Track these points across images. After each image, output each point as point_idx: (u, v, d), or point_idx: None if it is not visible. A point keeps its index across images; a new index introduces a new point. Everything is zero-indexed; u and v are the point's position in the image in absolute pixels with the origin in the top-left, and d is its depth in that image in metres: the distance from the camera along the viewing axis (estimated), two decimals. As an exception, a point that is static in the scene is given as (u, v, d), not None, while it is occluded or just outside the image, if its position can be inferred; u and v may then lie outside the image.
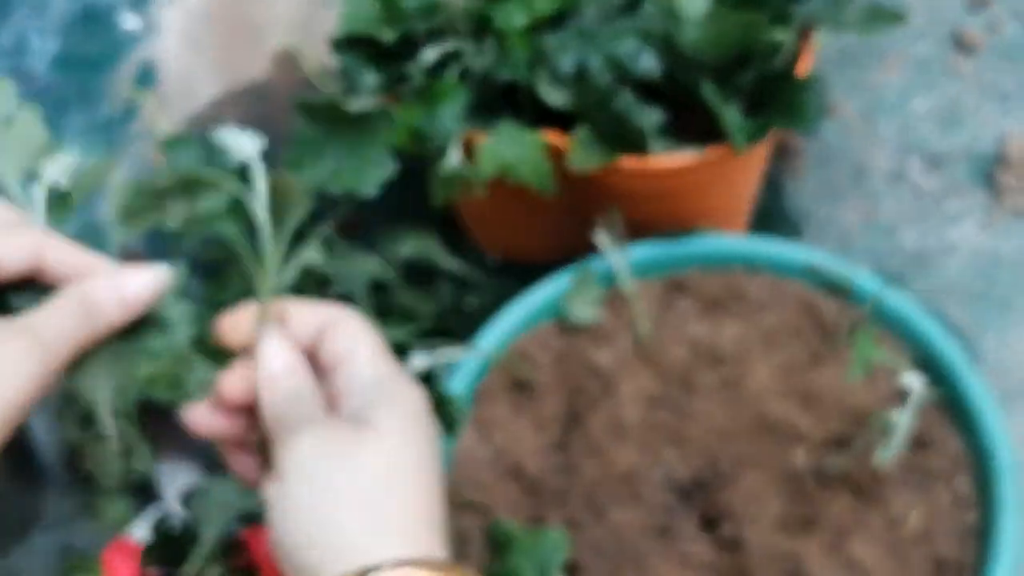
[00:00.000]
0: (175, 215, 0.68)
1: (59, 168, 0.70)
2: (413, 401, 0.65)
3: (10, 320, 0.63)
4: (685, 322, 0.92)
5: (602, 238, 0.89)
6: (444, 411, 0.84)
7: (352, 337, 0.67)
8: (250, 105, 1.25)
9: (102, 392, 0.72)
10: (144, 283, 0.66)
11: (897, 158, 1.11)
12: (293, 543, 0.61)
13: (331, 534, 0.60)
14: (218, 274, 1.06)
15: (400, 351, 0.91)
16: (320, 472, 0.61)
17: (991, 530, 0.80)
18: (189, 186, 0.68)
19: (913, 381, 0.72)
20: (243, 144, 0.64)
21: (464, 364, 0.90)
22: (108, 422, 0.96)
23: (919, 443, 0.84)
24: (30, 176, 0.70)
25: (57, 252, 0.64)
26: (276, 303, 0.67)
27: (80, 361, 0.68)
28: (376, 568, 0.57)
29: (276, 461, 0.63)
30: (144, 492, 1.00)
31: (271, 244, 0.65)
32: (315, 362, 0.67)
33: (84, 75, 1.30)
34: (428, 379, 0.89)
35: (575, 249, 0.94)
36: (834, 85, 1.16)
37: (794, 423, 0.85)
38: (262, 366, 0.65)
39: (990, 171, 1.08)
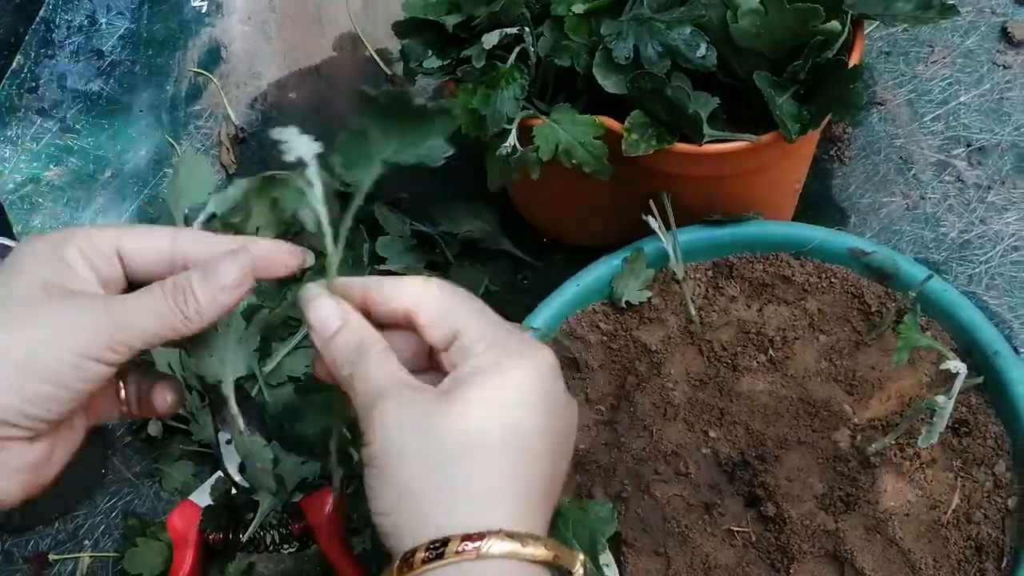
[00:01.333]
0: (259, 212, 0.69)
1: (221, 201, 0.70)
2: (522, 368, 0.60)
3: (99, 295, 0.64)
4: (733, 305, 0.92)
5: (653, 221, 0.89)
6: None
7: (441, 308, 0.63)
8: (312, 87, 1.26)
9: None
10: (234, 274, 0.64)
11: (943, 149, 1.10)
12: (377, 508, 0.60)
13: (408, 501, 0.59)
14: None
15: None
16: (396, 439, 0.59)
17: (1029, 512, 0.79)
18: (268, 185, 0.68)
19: (957, 366, 0.72)
20: (301, 146, 0.64)
21: (517, 341, 0.90)
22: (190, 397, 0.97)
23: (960, 428, 0.84)
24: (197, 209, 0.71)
25: (189, 240, 0.65)
26: (352, 282, 0.66)
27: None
28: (444, 541, 0.56)
29: (363, 427, 0.61)
30: (206, 460, 1.01)
31: (329, 237, 0.65)
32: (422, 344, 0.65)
33: (152, 54, 1.31)
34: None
35: (627, 232, 0.94)
36: (882, 76, 1.15)
37: (838, 405, 0.85)
38: (315, 331, 0.63)
39: (1035, 163, 1.08)
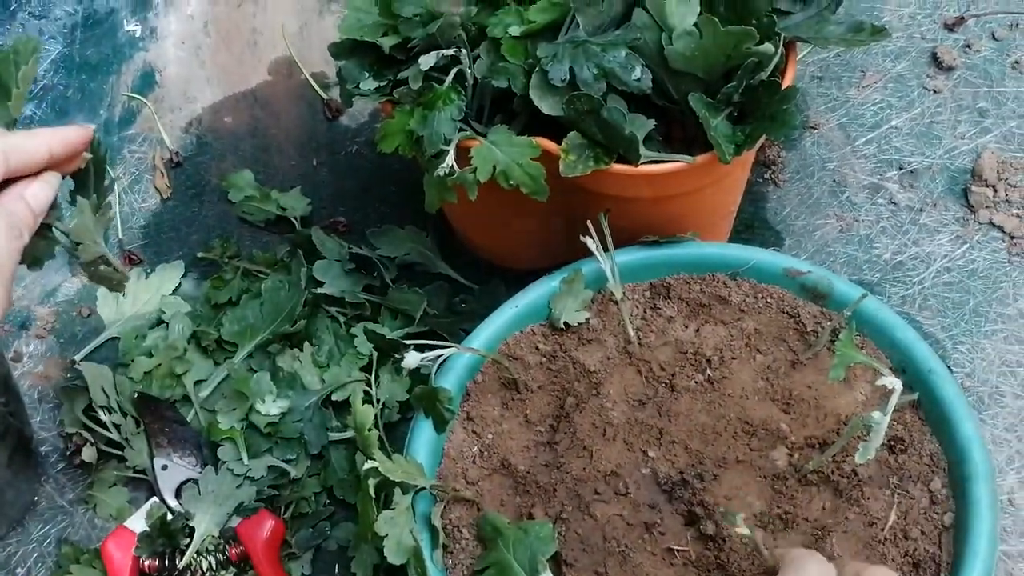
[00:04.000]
0: None
1: None
2: None
3: None
4: (670, 325, 0.92)
5: (591, 243, 0.89)
6: (435, 407, 0.84)
7: None
8: (248, 111, 1.25)
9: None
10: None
11: (875, 172, 1.12)
12: None
13: None
14: (215, 275, 1.07)
15: (393, 349, 0.92)
16: None
17: (966, 530, 0.80)
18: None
19: (892, 382, 0.73)
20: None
21: (455, 362, 0.90)
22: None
23: (896, 446, 0.85)
24: None
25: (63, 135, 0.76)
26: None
27: None
28: None
29: None
30: (140, 486, 1.00)
31: None
32: None
33: (85, 78, 1.30)
34: (420, 376, 0.90)
35: (564, 255, 0.95)
36: (815, 101, 1.17)
37: (775, 424, 0.85)
38: None
39: (965, 185, 1.09)
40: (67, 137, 0.77)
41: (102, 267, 0.81)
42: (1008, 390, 0.97)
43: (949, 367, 0.96)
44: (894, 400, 0.73)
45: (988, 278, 1.04)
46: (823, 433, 0.85)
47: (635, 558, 0.81)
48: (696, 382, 0.88)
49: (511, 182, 0.87)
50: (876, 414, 0.74)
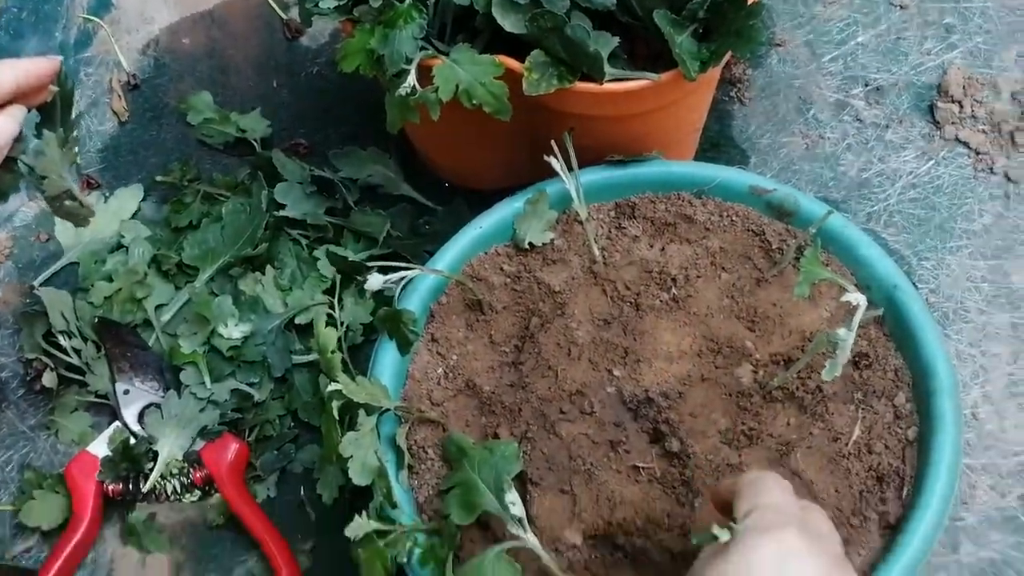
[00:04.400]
0: None
1: None
2: None
3: None
4: (635, 245, 0.92)
5: (555, 162, 0.88)
6: (399, 329, 0.84)
7: None
8: (205, 32, 1.23)
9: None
10: None
11: (841, 89, 1.11)
12: None
13: None
14: (174, 198, 1.05)
15: (356, 271, 0.91)
16: None
17: (929, 443, 0.81)
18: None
19: (857, 298, 0.72)
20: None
21: (419, 283, 0.89)
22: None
23: (861, 362, 0.85)
24: None
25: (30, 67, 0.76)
26: None
27: None
28: None
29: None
30: (102, 410, 0.99)
31: None
32: None
33: (39, 1, 1.27)
34: (384, 298, 0.90)
35: (529, 175, 0.94)
36: (780, 18, 1.16)
37: (740, 342, 0.85)
38: None
39: (931, 101, 1.09)
40: (34, 69, 0.75)
41: (67, 202, 0.79)
42: (972, 305, 0.97)
43: (914, 283, 0.97)
44: (859, 316, 0.73)
45: (953, 194, 1.04)
46: (788, 350, 0.85)
47: (600, 476, 0.81)
48: (661, 301, 0.88)
49: (474, 101, 0.86)
50: (841, 331, 0.74)
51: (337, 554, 0.86)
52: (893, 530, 0.80)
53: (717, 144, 1.08)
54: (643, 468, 0.82)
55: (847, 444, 0.82)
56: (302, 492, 0.93)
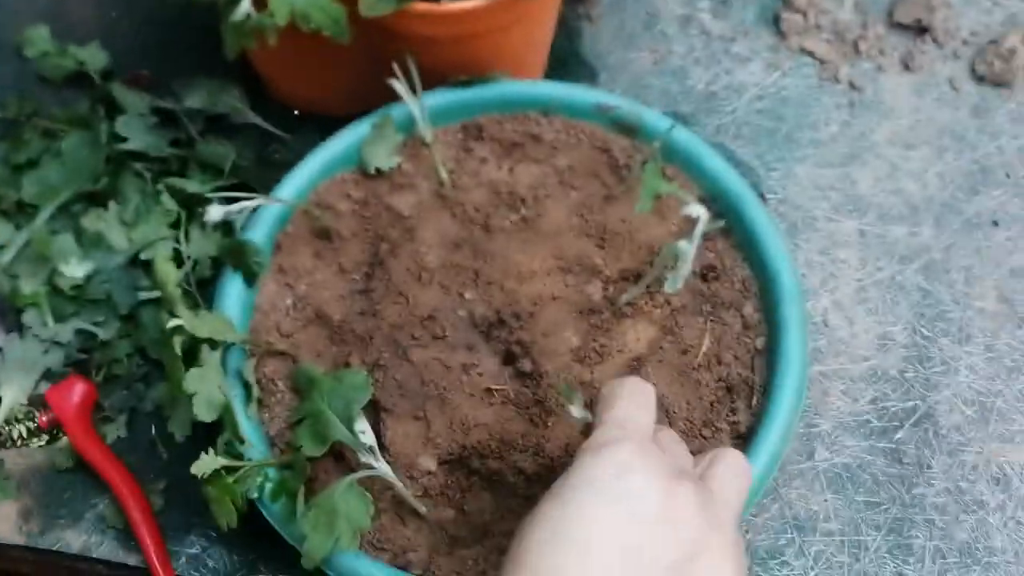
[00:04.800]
0: None
1: None
2: None
3: None
4: (484, 166, 0.91)
5: (399, 85, 0.87)
6: (243, 261, 0.82)
7: None
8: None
9: None
10: None
11: (687, 3, 1.11)
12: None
13: None
14: (12, 135, 1.02)
15: (198, 203, 0.89)
16: None
17: (778, 352, 0.82)
18: None
19: (697, 211, 0.72)
20: None
21: (263, 214, 0.88)
22: None
23: (709, 274, 0.86)
24: None
25: None
26: None
27: None
28: None
29: None
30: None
31: None
32: None
33: None
34: (231, 231, 0.88)
35: (375, 99, 0.92)
36: (627, -68, 1.15)
37: (590, 259, 0.85)
38: None
39: (776, 12, 1.09)
40: None
41: None
42: (820, 214, 0.98)
43: (763, 194, 0.97)
44: (700, 228, 0.73)
45: (800, 104, 1.04)
46: (637, 265, 0.85)
47: (454, 400, 0.81)
48: (511, 222, 0.87)
49: (311, 25, 0.84)
50: (682, 243, 0.74)
51: (191, 493, 0.84)
52: (744, 439, 0.81)
53: (565, 63, 1.07)
54: (496, 390, 0.82)
55: (697, 356, 0.82)
56: (153, 431, 0.91)
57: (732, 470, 0.68)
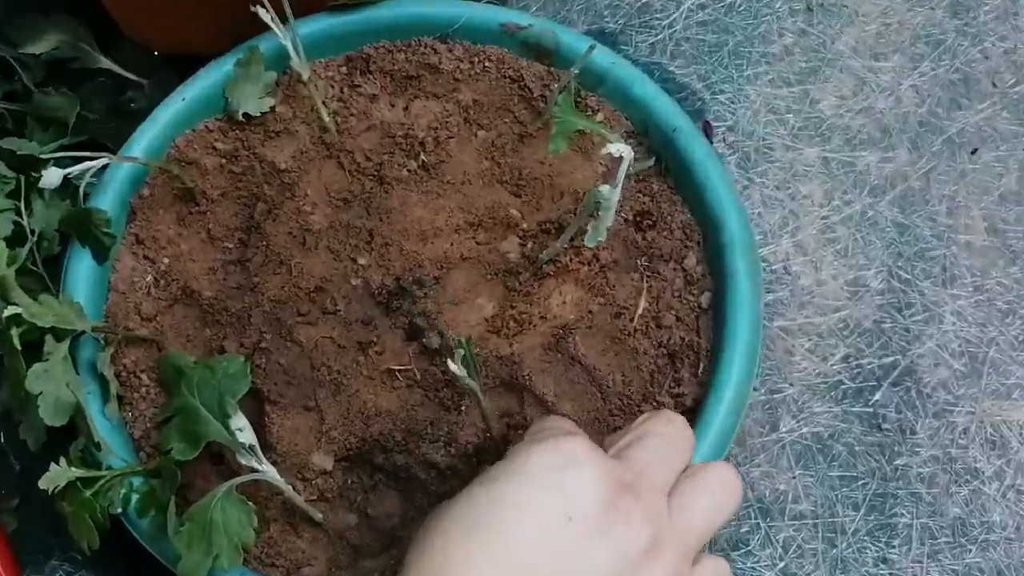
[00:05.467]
0: None
1: None
2: None
3: None
4: (374, 105, 0.90)
5: (264, 13, 0.85)
6: (90, 233, 0.81)
7: None
8: None
9: None
10: None
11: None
12: None
13: None
14: None
15: (32, 166, 0.88)
16: None
17: (725, 309, 0.82)
18: None
19: (619, 149, 0.72)
20: None
21: (112, 175, 0.87)
22: None
23: (644, 221, 0.86)
24: None
25: None
26: None
27: None
28: None
29: None
30: None
31: None
32: None
33: None
34: (72, 195, 0.87)
35: (244, 33, 0.91)
36: None
37: (504, 211, 0.85)
38: None
39: (716, -95, 1.09)
40: None
41: None
42: (777, 141, 0.98)
43: (708, 122, 0.97)
44: (623, 168, 0.73)
45: (748, 13, 1.04)
46: (559, 216, 0.85)
47: (350, 385, 0.81)
48: (409, 171, 0.87)
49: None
50: (604, 188, 0.74)
51: (51, 511, 0.84)
52: (692, 413, 0.81)
53: (471, -24, 1.06)
54: (400, 371, 0.82)
55: (632, 319, 0.83)
56: (2, 439, 0.91)
57: (712, 496, 0.69)
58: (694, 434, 0.74)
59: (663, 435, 0.71)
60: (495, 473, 0.64)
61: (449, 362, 0.69)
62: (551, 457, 0.63)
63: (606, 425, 0.81)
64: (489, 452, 0.79)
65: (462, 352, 0.69)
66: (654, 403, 0.81)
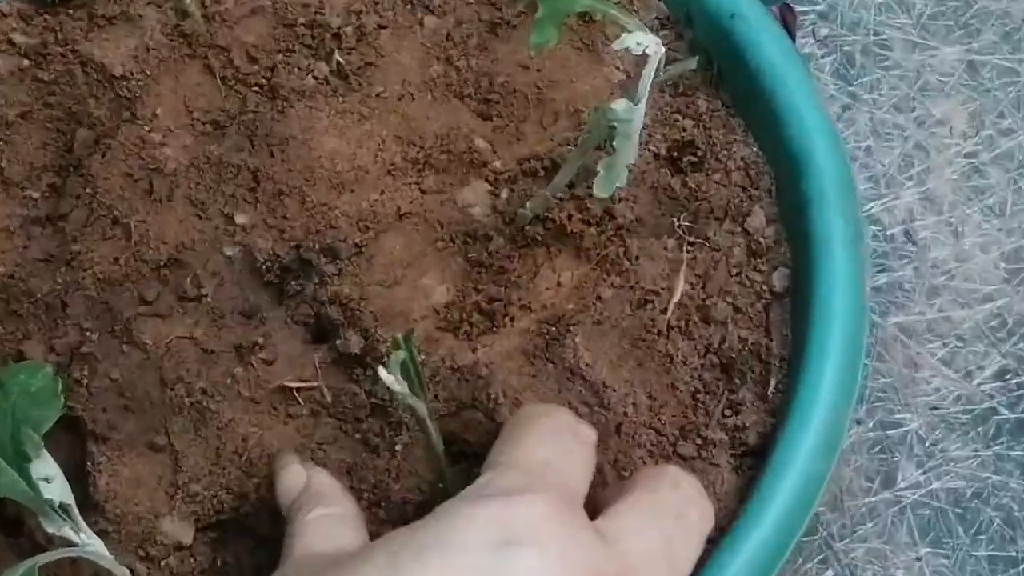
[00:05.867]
0: None
1: None
2: None
3: None
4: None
5: None
6: None
7: None
8: None
9: None
10: None
11: None
12: None
13: None
14: None
15: None
16: None
17: (812, 293, 0.81)
18: None
19: (645, 42, 0.72)
20: None
21: None
22: None
23: (683, 158, 0.86)
24: None
25: None
26: None
27: None
28: None
29: None
30: None
31: None
32: None
33: None
34: None
35: None
36: None
37: (466, 141, 0.86)
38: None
39: None
40: None
41: None
42: (897, 36, 0.99)
43: (790, 5, 0.97)
44: (649, 73, 0.73)
45: None
46: (551, 149, 0.86)
47: (221, 412, 0.81)
48: (317, 79, 0.88)
49: None
50: (621, 104, 0.73)
51: None
52: (757, 456, 0.81)
53: None
54: (300, 390, 0.82)
55: (665, 311, 0.83)
56: None
57: None
58: (759, 490, 0.75)
59: (668, 506, 0.71)
60: (404, 538, 0.64)
61: (380, 370, 0.68)
62: (486, 531, 0.62)
63: (619, 473, 0.80)
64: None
65: (401, 356, 0.69)
66: (699, 440, 0.81)
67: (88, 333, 0.83)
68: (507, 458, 0.68)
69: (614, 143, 0.74)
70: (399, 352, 0.67)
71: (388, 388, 0.66)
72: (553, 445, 0.69)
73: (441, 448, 0.75)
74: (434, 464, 0.76)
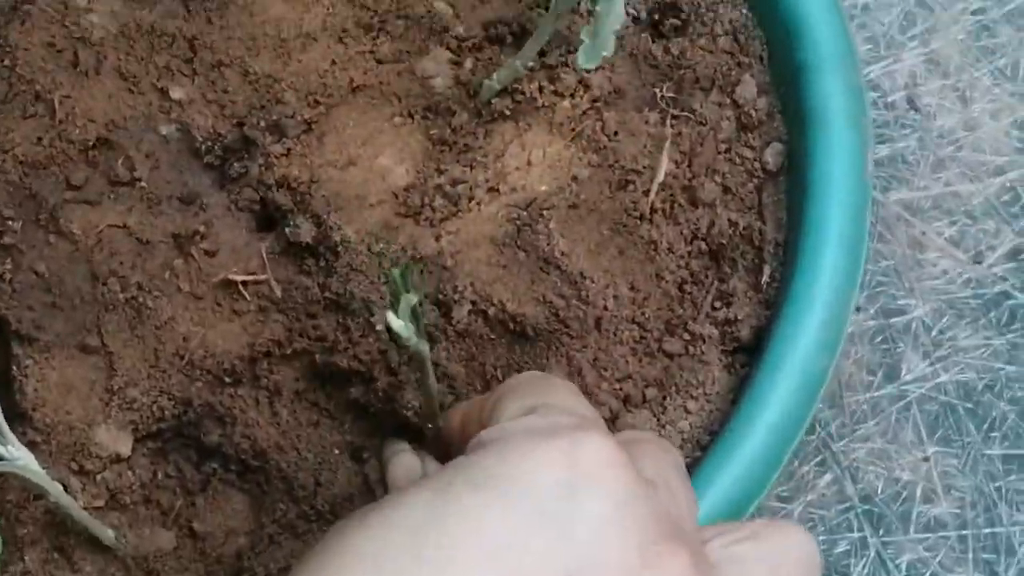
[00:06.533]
0: None
1: None
2: None
3: None
4: None
5: None
6: None
7: None
8: None
9: None
10: None
11: None
12: None
13: None
14: None
15: None
16: None
17: (808, 170, 0.80)
18: None
19: None
20: None
21: None
22: None
23: (665, 20, 0.84)
24: None
25: None
26: None
27: None
28: None
29: None
30: None
31: None
32: None
33: None
34: None
35: None
36: None
37: (424, 4, 0.84)
38: None
39: None
40: None
41: None
42: None
43: None
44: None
45: None
46: (519, 13, 0.84)
47: (161, 310, 0.80)
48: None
49: None
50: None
51: None
52: (749, 352, 0.80)
53: None
54: (246, 283, 0.80)
55: (647, 192, 0.81)
56: None
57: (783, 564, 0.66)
58: (752, 390, 0.75)
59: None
60: (453, 476, 0.61)
61: (389, 315, 0.65)
62: (552, 471, 0.60)
63: (599, 373, 0.79)
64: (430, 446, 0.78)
65: (412, 299, 0.66)
66: (687, 335, 0.80)
67: (10, 222, 0.81)
68: (546, 400, 0.66)
69: (597, 5, 0.72)
70: (409, 296, 0.64)
71: (396, 333, 0.64)
72: (583, 400, 0.67)
73: (436, 389, 0.73)
74: (429, 406, 0.76)
